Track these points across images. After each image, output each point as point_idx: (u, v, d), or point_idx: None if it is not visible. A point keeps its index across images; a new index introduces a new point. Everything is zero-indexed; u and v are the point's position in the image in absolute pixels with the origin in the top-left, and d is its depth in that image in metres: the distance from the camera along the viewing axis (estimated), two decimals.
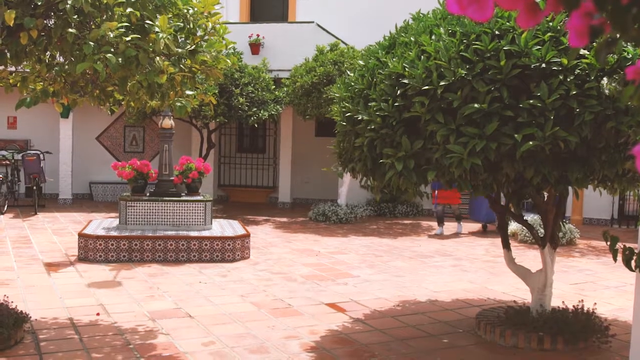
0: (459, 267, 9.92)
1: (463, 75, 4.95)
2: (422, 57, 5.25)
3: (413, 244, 12.14)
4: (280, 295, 7.74)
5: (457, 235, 13.49)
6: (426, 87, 5.07)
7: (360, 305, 7.37)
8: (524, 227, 11.04)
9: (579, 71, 4.87)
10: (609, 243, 3.76)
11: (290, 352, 5.69)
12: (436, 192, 13.28)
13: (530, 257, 10.29)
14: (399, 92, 5.29)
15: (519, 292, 7.89)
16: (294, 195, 18.31)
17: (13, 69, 5.70)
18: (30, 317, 6.13)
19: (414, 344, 5.99)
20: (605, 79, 4.76)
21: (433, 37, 5.41)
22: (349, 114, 5.83)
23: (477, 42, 5.06)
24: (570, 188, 5.57)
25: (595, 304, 6.68)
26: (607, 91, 4.72)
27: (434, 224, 15.27)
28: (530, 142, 4.71)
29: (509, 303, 7.11)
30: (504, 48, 4.94)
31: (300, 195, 18.58)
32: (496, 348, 5.91)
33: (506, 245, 6.56)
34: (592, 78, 4.82)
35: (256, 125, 15.95)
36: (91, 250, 9.58)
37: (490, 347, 5.95)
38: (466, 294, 8.04)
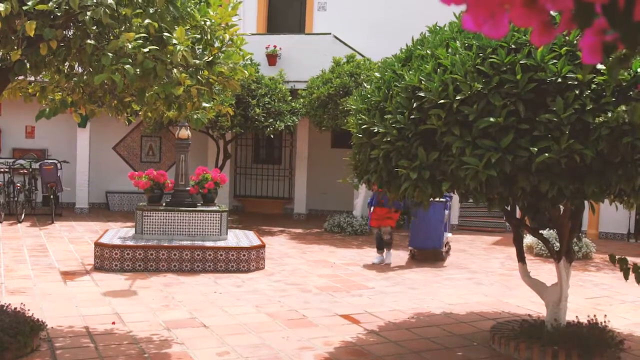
0: (474, 280, 9.89)
1: (479, 89, 4.96)
2: (438, 70, 5.27)
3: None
4: (294, 306, 7.75)
5: (387, 265, 11.03)
6: (442, 101, 5.09)
7: (374, 317, 7.37)
8: (539, 241, 11.00)
9: (594, 86, 4.87)
10: (617, 265, 3.75)
11: None
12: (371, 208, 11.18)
13: (545, 271, 10.24)
14: (415, 104, 5.31)
15: (534, 306, 7.86)
16: (310, 206, 18.32)
17: (32, 78, 5.78)
18: (47, 325, 6.17)
19: (429, 357, 5.98)
20: (622, 106, 4.74)
21: (449, 50, 5.44)
22: (365, 126, 5.86)
23: (493, 56, 5.07)
24: (586, 202, 5.56)
25: (605, 316, 6.64)
26: (626, 117, 4.70)
27: (449, 235, 15.19)
28: (546, 154, 4.71)
29: (524, 316, 7.08)
30: (520, 62, 4.96)
31: (315, 206, 18.59)
32: None
33: (521, 259, 6.55)
34: (608, 94, 4.82)
35: (272, 136, 15.99)
36: (107, 259, 9.63)
37: None
38: (481, 307, 8.01)
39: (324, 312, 7.53)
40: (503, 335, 6.25)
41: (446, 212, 11.52)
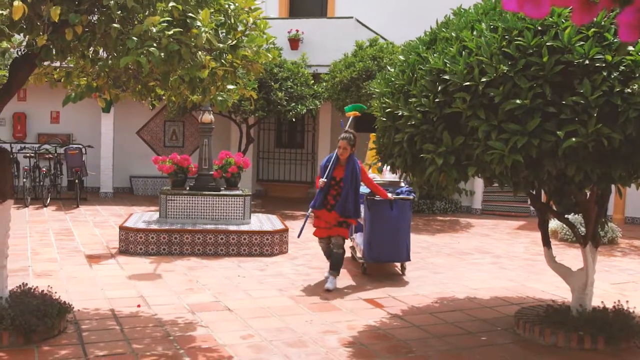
0: (498, 264, 9.84)
1: (505, 71, 4.90)
2: (463, 53, 5.22)
3: (452, 240, 12.07)
4: (318, 290, 7.76)
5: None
6: (467, 83, 5.04)
7: (398, 301, 7.36)
8: (564, 225, 10.90)
9: (623, 68, 4.80)
10: None
11: (329, 346, 5.70)
12: (309, 212, 8.15)
13: (570, 256, 10.17)
14: (439, 88, 5.27)
15: (559, 291, 7.80)
16: None
17: (57, 64, 5.80)
18: (73, 307, 6.24)
19: (452, 341, 5.97)
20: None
21: (474, 32, 5.37)
22: (389, 109, 5.82)
23: (519, 38, 5.00)
24: (612, 186, 5.49)
25: (627, 302, 6.57)
26: None
27: (474, 220, 15.17)
28: (573, 139, 4.66)
29: (549, 302, 7.03)
30: (547, 44, 4.89)
31: None
32: (535, 347, 5.86)
33: (547, 243, 6.50)
34: (637, 75, 4.74)
35: (294, 120, 15.97)
36: (132, 243, 9.71)
37: (529, 345, 5.90)
38: (505, 292, 7.97)
39: (348, 296, 7.54)
40: (527, 320, 6.21)
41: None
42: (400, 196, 8.48)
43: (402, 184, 8.96)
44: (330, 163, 7.88)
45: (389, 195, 8.32)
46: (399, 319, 6.66)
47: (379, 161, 6.52)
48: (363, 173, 7.98)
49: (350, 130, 8.07)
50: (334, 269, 7.87)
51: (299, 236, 8.20)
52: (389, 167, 8.12)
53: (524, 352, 5.72)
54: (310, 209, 8.03)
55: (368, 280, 8.37)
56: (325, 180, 7.78)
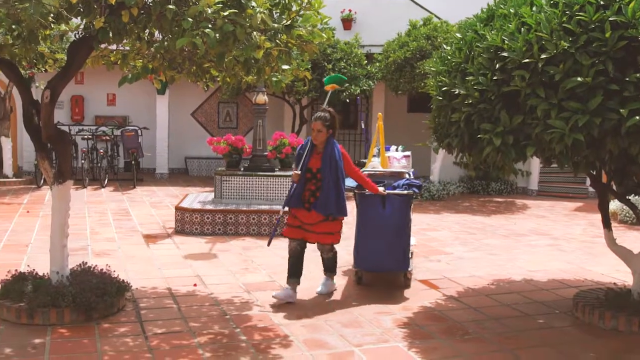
0: (556, 246, 9.67)
1: (566, 47, 4.77)
2: (522, 29, 5.10)
3: (507, 222, 11.91)
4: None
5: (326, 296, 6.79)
6: (526, 60, 4.93)
7: (453, 283, 7.29)
8: (624, 207, 10.62)
9: None
10: None
11: (384, 327, 5.68)
12: (280, 214, 6.79)
13: (630, 238, 9.94)
14: (497, 65, 5.16)
15: (619, 274, 7.63)
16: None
17: (113, 47, 5.87)
18: (131, 286, 6.35)
19: (509, 323, 5.89)
20: None
21: (534, 8, 5.23)
22: (445, 88, 5.74)
23: (580, 13, 4.85)
24: None
25: None
26: None
27: (530, 201, 14.93)
28: (637, 117, 4.52)
29: (608, 285, 6.87)
30: (610, 19, 4.73)
31: None
32: (595, 330, 5.74)
33: (607, 225, 6.34)
34: None
35: (348, 101, 15.92)
36: (188, 223, 9.82)
37: (589, 329, 5.78)
38: (562, 274, 7.83)
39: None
40: (587, 303, 6.08)
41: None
42: (395, 191, 6.80)
43: (407, 175, 7.40)
44: (305, 151, 6.42)
45: (381, 189, 6.71)
46: (455, 301, 6.60)
47: (434, 140, 6.42)
48: (346, 160, 6.43)
49: (326, 108, 6.45)
50: (330, 270, 6.75)
51: (268, 244, 6.46)
52: (395, 154, 7.67)
53: (583, 336, 5.61)
54: (283, 208, 6.62)
55: (422, 260, 8.31)
56: (299, 172, 6.35)
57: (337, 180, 6.29)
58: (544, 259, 8.70)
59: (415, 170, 7.56)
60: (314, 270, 7.23)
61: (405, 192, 6.79)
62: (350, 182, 6.80)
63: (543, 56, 4.84)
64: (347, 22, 16.78)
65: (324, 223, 6.35)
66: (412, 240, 7.25)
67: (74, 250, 7.85)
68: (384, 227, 6.74)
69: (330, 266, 6.72)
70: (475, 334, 5.58)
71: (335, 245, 6.65)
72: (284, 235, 6.58)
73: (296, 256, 6.48)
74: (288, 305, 6.21)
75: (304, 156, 6.37)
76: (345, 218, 6.55)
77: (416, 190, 6.91)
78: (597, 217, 6.51)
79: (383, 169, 7.60)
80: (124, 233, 9.75)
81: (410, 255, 6.96)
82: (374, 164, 7.71)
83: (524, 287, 7.21)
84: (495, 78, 5.17)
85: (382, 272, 7.25)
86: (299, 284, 6.46)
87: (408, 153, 7.95)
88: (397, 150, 8.19)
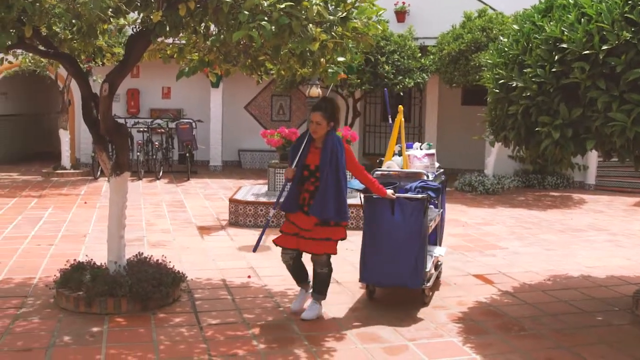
0: (614, 242, 9.46)
1: (628, 38, 4.66)
2: (582, 20, 4.99)
3: (564, 216, 11.69)
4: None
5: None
6: (587, 52, 4.83)
7: (508, 278, 7.20)
8: None
9: None
10: None
11: (438, 321, 5.64)
12: (271, 215, 6.21)
13: None
14: (556, 57, 5.07)
15: None
16: (440, 164, 18.06)
17: (170, 40, 5.93)
18: (186, 277, 6.42)
19: (566, 320, 5.78)
20: None
21: None
22: (502, 80, 5.65)
23: None
24: None
25: None
26: None
27: (587, 196, 14.63)
28: None
29: None
30: None
31: (445, 165, 18.27)
32: None
33: None
34: None
35: (402, 94, 15.82)
36: (241, 215, 9.90)
37: None
38: (622, 271, 7.65)
39: (457, 271, 7.43)
40: None
41: (434, 212, 6.61)
42: (407, 194, 5.99)
43: (426, 176, 6.48)
44: (302, 146, 5.62)
45: (389, 192, 5.89)
46: (510, 296, 6.51)
47: (490, 134, 6.32)
48: (349, 157, 5.64)
49: (327, 97, 5.75)
50: (319, 292, 5.72)
51: (254, 250, 6.02)
52: (416, 152, 7.17)
53: None
54: (273, 211, 6.08)
55: (476, 255, 8.22)
56: (295, 168, 5.59)
57: (338, 180, 5.47)
58: (602, 255, 8.52)
59: (435, 172, 6.82)
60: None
61: (420, 196, 5.95)
62: (358, 184, 6.09)
63: (604, 47, 4.73)
64: (401, 14, 16.67)
65: (323, 227, 5.55)
66: (441, 251, 6.77)
67: (130, 241, 7.97)
68: (393, 236, 5.91)
69: (321, 287, 5.71)
70: (531, 330, 5.50)
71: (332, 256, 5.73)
72: (275, 243, 5.73)
73: (293, 267, 5.74)
74: (340, 299, 6.21)
75: (301, 151, 5.58)
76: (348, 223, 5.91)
77: (432, 195, 6.05)
78: None
79: (398, 169, 6.77)
80: (178, 224, 9.87)
81: (430, 269, 6.18)
82: (390, 164, 6.86)
83: (581, 283, 7.08)
84: (554, 70, 5.07)
85: (389, 287, 6.42)
86: (310, 285, 5.84)
87: (432, 151, 7.20)
88: (420, 148, 7.41)
